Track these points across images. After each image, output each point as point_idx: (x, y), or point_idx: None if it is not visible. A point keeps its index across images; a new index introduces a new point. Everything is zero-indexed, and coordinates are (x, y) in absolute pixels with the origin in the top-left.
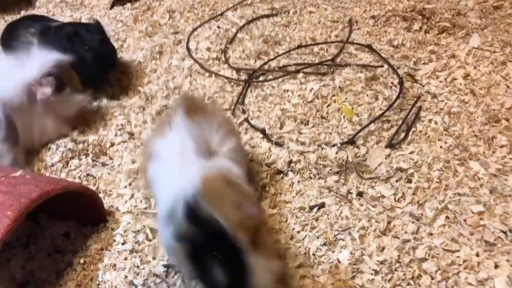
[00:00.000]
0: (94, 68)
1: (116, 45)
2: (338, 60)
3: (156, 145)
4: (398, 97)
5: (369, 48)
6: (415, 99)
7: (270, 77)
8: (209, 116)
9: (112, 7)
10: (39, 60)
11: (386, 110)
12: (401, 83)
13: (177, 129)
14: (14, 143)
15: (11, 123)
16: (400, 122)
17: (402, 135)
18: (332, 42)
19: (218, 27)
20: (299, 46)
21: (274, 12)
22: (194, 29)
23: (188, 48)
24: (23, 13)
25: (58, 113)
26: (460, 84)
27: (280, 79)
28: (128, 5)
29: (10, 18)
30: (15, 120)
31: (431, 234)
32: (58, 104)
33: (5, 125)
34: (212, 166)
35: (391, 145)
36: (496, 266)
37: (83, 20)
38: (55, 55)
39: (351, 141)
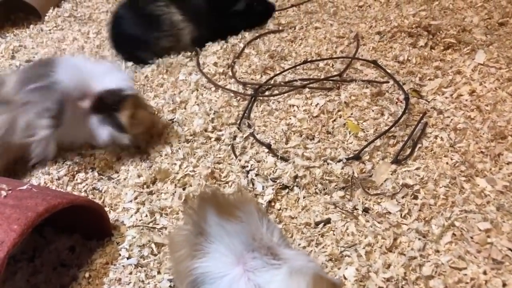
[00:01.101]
0: (263, 17)
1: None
2: (344, 75)
3: (196, 269)
4: (404, 113)
5: (375, 64)
6: (420, 115)
7: (276, 92)
8: (243, 208)
9: None
10: (110, 74)
11: (392, 126)
12: (406, 99)
13: (217, 237)
14: (56, 127)
15: (60, 114)
16: (405, 138)
17: (408, 151)
18: (338, 58)
19: (226, 42)
20: (305, 62)
21: (280, 28)
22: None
23: (198, 63)
24: (32, 27)
25: (92, 131)
26: (466, 100)
27: (286, 94)
28: None
29: (19, 32)
30: (65, 113)
31: (437, 251)
32: (93, 124)
33: (55, 113)
34: (295, 266)
35: (397, 161)
36: (504, 285)
37: (91, 35)
38: (129, 84)
39: (357, 157)
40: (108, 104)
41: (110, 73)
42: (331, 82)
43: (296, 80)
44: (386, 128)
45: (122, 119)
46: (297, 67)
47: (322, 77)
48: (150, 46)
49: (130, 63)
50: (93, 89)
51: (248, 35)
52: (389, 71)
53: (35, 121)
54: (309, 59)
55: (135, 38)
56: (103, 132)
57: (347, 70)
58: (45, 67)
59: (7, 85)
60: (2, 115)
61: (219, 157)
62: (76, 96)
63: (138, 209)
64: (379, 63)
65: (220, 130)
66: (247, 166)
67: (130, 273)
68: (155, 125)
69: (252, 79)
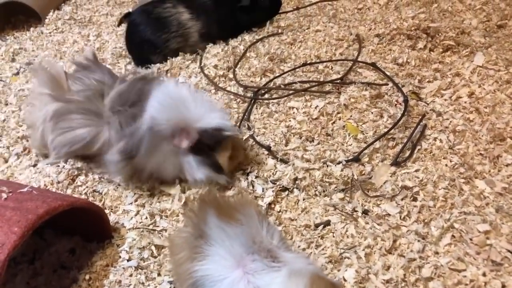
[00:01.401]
0: (269, 13)
1: (124, 61)
2: (344, 78)
3: (196, 271)
4: (403, 115)
5: (374, 66)
6: (420, 117)
7: (275, 95)
8: (243, 211)
9: (119, 24)
10: (208, 113)
11: (391, 128)
12: (405, 101)
13: (217, 240)
14: (130, 158)
15: (140, 142)
16: (405, 140)
17: (407, 153)
18: (337, 60)
19: (227, 44)
20: (304, 64)
21: (279, 31)
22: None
23: (201, 65)
24: (32, 30)
25: (185, 169)
26: (465, 102)
27: (285, 96)
28: None
29: (20, 35)
30: (150, 144)
31: (437, 253)
32: (188, 163)
33: (136, 139)
34: (295, 268)
35: (396, 163)
36: (503, 286)
37: (91, 37)
38: (225, 121)
39: (356, 159)
40: (206, 144)
41: (209, 110)
42: (330, 84)
43: (295, 83)
44: (386, 130)
45: (221, 161)
46: (297, 69)
47: (322, 79)
48: (160, 49)
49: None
50: (190, 128)
51: (248, 38)
52: (388, 73)
53: (113, 142)
54: (308, 62)
55: (147, 42)
56: (200, 172)
57: (341, 80)
58: (141, 91)
59: (107, 97)
60: (90, 127)
61: None
62: (168, 133)
63: (138, 211)
64: (378, 66)
65: None
66: (247, 168)
67: (130, 275)
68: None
69: (251, 81)
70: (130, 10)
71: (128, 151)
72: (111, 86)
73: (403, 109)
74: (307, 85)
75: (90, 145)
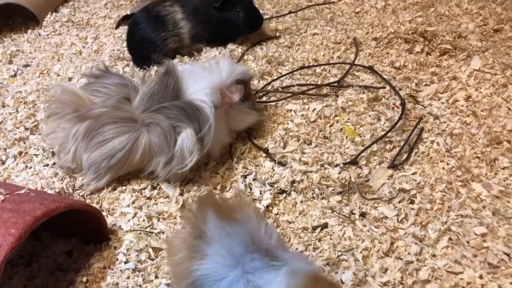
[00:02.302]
0: (245, 27)
1: (122, 64)
2: (341, 81)
3: (195, 271)
4: (400, 118)
5: (371, 70)
6: (417, 120)
7: (273, 98)
8: (241, 211)
9: (117, 27)
10: (228, 68)
11: (388, 131)
12: (403, 104)
13: (216, 239)
14: (201, 142)
15: (206, 122)
16: (402, 143)
17: (405, 156)
18: (335, 64)
19: (224, 47)
20: (302, 67)
21: (277, 34)
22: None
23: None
24: (29, 32)
25: (232, 123)
26: (462, 105)
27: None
28: None
29: (17, 37)
30: (214, 119)
31: (434, 255)
32: (237, 114)
33: (204, 120)
34: (294, 268)
35: (393, 166)
36: None
37: (89, 40)
38: (242, 67)
39: (354, 162)
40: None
41: (226, 67)
42: (327, 88)
43: (293, 86)
44: (383, 133)
45: (253, 99)
46: (294, 72)
47: (319, 82)
48: (160, 48)
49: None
50: (226, 85)
51: (246, 41)
52: (385, 76)
53: (155, 145)
54: (305, 65)
55: (147, 40)
56: (249, 117)
57: (339, 83)
58: (171, 86)
59: (134, 101)
60: (128, 133)
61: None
62: (218, 100)
63: (135, 214)
64: (376, 69)
65: None
66: (245, 171)
67: (128, 277)
68: None
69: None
70: (128, 12)
71: (200, 136)
72: (135, 89)
73: (400, 112)
74: (304, 88)
75: (133, 153)
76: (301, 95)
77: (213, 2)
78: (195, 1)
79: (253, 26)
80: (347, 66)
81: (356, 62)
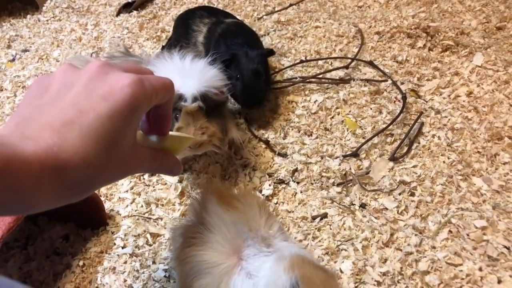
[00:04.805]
0: (239, 99)
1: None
2: (342, 74)
3: (193, 257)
4: (401, 111)
5: (371, 64)
6: (418, 114)
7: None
8: (242, 199)
9: (118, 14)
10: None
11: (389, 124)
12: (404, 98)
13: (215, 227)
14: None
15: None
16: (403, 136)
17: (405, 151)
18: (336, 58)
19: None
20: (301, 61)
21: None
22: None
23: None
24: (29, 17)
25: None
26: (464, 101)
27: (285, 90)
28: (134, 12)
29: (16, 21)
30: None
31: (434, 247)
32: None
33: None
34: (284, 253)
35: (394, 158)
36: (499, 282)
37: (89, 27)
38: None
39: (355, 154)
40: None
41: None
42: (331, 80)
43: (295, 78)
44: (384, 126)
45: None
46: (296, 65)
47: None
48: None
49: None
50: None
51: None
52: (387, 70)
53: None
54: (306, 58)
55: (174, 40)
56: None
57: (347, 69)
58: None
59: None
60: None
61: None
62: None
63: (134, 199)
64: (378, 63)
65: None
66: (245, 161)
67: (125, 262)
68: None
69: None
70: (129, 0)
71: None
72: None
73: (401, 105)
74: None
75: None
76: (302, 87)
77: (225, 53)
78: (219, 31)
79: (243, 105)
80: (348, 60)
81: (359, 55)
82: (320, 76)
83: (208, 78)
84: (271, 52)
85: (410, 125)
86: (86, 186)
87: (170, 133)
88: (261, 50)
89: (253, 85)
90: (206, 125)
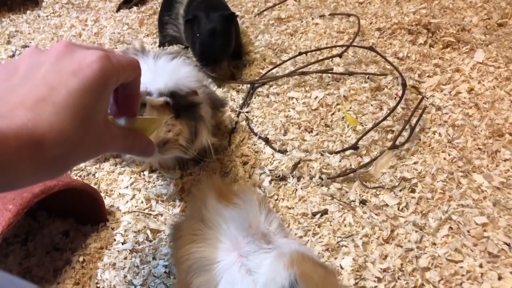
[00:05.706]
0: (199, 57)
1: (122, 47)
2: (343, 69)
3: (193, 254)
4: (402, 97)
5: (371, 49)
6: (419, 108)
7: (275, 86)
8: (242, 195)
9: (118, 10)
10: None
11: (390, 113)
12: (403, 84)
13: (215, 223)
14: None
15: None
16: (404, 133)
17: (406, 146)
18: (334, 46)
19: None
20: (300, 53)
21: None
22: None
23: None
24: (28, 13)
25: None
26: (465, 97)
27: (285, 86)
28: (134, 8)
29: (16, 17)
30: None
31: (434, 244)
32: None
33: None
34: (284, 250)
35: (394, 146)
36: (500, 278)
37: (89, 22)
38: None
39: (355, 147)
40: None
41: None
42: (330, 76)
43: (295, 73)
44: (385, 122)
45: None
46: (296, 60)
47: (321, 70)
48: (161, 30)
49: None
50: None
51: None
52: (388, 67)
53: None
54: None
55: (159, 18)
56: None
57: (347, 65)
58: None
59: None
60: None
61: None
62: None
63: (134, 195)
64: (378, 59)
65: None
66: (245, 158)
67: (125, 258)
68: None
69: (251, 71)
70: None
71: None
72: None
73: (401, 95)
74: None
75: None
76: (303, 83)
77: (188, 12)
78: (195, 4)
79: (199, 61)
80: (351, 56)
81: (357, 46)
82: (315, 69)
83: (179, 77)
84: (232, 15)
85: (411, 112)
86: (64, 161)
87: (139, 117)
88: (221, 12)
89: (209, 44)
90: (172, 122)
